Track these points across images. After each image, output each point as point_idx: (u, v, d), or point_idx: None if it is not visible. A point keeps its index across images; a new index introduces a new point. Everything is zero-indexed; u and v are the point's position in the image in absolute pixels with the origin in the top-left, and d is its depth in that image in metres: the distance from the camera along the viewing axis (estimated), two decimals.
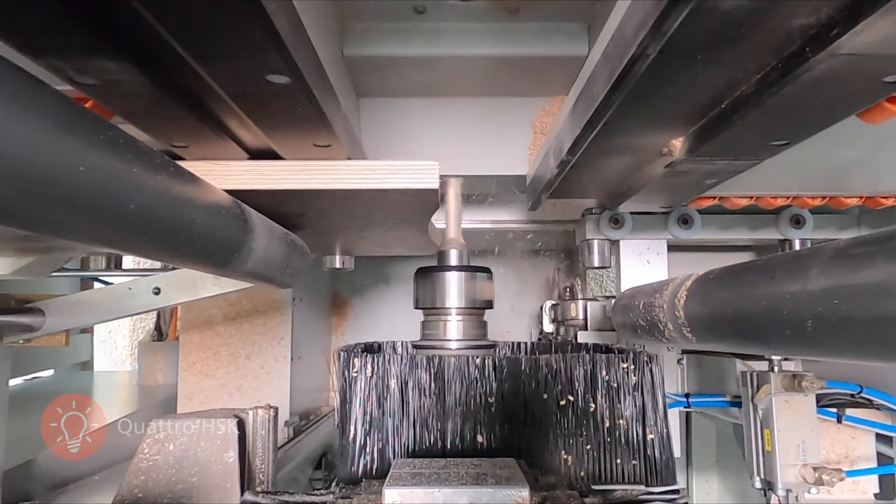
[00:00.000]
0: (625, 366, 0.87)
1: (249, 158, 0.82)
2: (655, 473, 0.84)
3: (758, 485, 1.18)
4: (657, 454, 0.85)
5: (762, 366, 1.19)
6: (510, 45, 1.00)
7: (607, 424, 0.85)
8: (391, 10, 0.92)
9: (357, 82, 1.10)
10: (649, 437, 0.85)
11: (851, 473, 1.31)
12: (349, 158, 0.84)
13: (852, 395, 1.28)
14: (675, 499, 0.78)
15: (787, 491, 1.10)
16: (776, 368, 1.15)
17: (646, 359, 0.88)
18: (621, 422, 0.85)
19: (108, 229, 0.46)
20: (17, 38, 0.49)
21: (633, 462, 0.84)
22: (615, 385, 0.86)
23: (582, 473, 0.83)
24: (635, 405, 0.86)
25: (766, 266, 0.65)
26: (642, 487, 0.82)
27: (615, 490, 0.78)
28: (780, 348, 0.63)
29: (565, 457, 0.84)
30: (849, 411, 1.32)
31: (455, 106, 1.18)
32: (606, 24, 0.59)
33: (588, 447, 0.84)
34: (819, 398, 1.31)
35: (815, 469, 1.10)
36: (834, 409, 1.29)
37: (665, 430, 0.86)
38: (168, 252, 0.62)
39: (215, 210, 0.67)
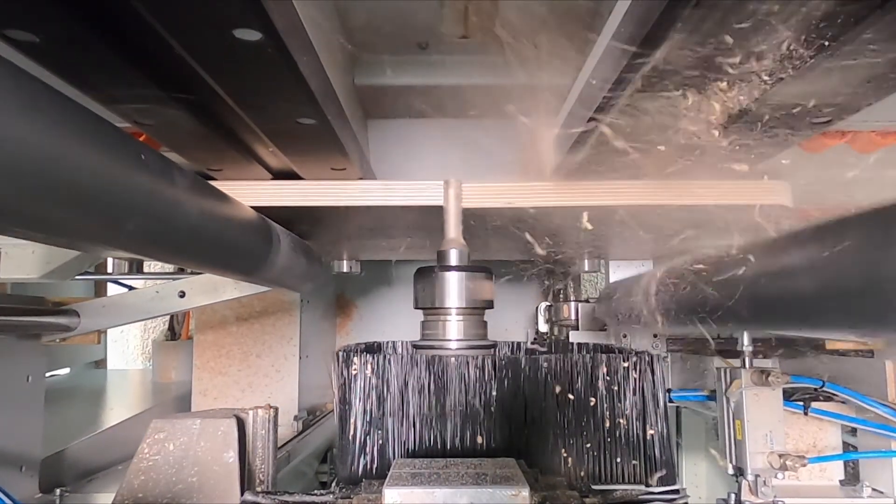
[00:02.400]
0: (625, 365, 0.84)
1: (273, 178, 0.94)
2: (655, 473, 0.83)
3: (730, 471, 1.26)
4: (657, 454, 0.83)
5: (737, 363, 1.30)
6: (503, 76, 1.12)
7: (607, 424, 0.83)
8: (397, 45, 0.99)
9: (366, 106, 1.23)
10: (649, 436, 0.83)
11: (814, 460, 1.41)
12: (361, 178, 0.96)
13: (815, 389, 1.39)
14: (674, 499, 0.78)
15: (756, 476, 1.21)
16: (747, 365, 1.26)
17: (647, 359, 0.84)
18: (621, 421, 0.83)
19: (162, 247, 0.57)
20: (96, 91, 0.59)
21: (634, 462, 0.82)
22: (615, 385, 0.84)
23: (582, 473, 0.81)
24: (635, 405, 0.83)
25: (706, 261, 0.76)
26: (642, 487, 0.81)
27: (615, 490, 0.78)
28: (721, 324, 0.73)
29: (565, 457, 0.82)
30: (816, 404, 1.42)
31: (454, 126, 1.30)
32: (577, 78, 0.70)
33: (588, 447, 0.82)
34: (791, 392, 1.43)
35: (780, 456, 1.19)
36: (801, 402, 1.41)
37: (665, 430, 0.83)
38: (208, 264, 0.73)
39: (248, 226, 0.78)
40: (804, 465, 1.10)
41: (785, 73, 0.56)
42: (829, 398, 1.34)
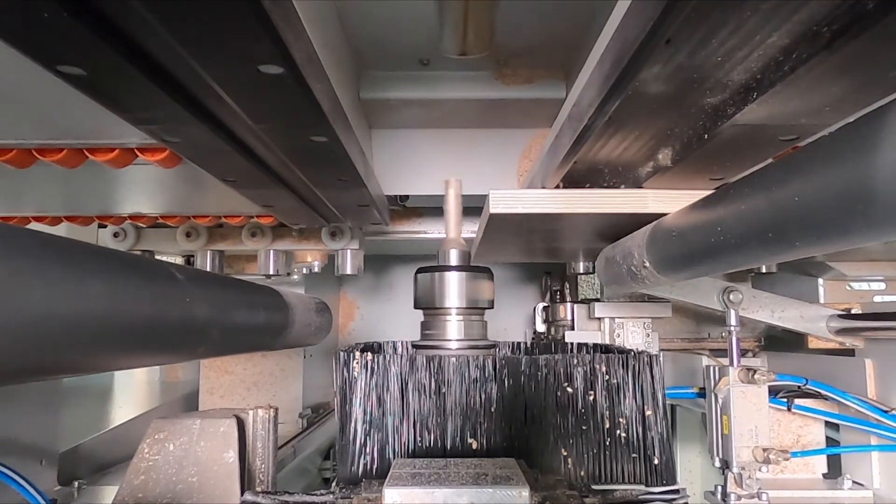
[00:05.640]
0: (625, 366, 0.84)
1: (285, 187, 1.00)
2: (655, 473, 0.83)
3: (717, 464, 1.26)
4: (657, 454, 0.83)
5: (726, 360, 1.36)
6: (500, 90, 1.14)
7: (607, 425, 0.83)
8: (400, 62, 1.08)
9: (369, 117, 1.29)
10: (649, 436, 0.83)
11: (797, 454, 1.43)
12: (365, 187, 1.02)
13: (799, 387, 1.41)
14: (674, 499, 0.78)
15: (741, 469, 1.27)
16: (735, 363, 1.32)
17: (646, 359, 0.85)
18: (621, 421, 0.83)
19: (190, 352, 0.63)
20: (130, 113, 0.65)
21: (633, 462, 0.83)
22: (615, 385, 0.84)
23: (582, 473, 0.82)
24: (635, 405, 0.84)
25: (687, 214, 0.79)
26: (642, 487, 0.81)
27: (615, 490, 0.79)
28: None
29: (565, 456, 0.82)
30: (799, 401, 1.40)
31: (455, 136, 1.36)
32: (569, 95, 0.75)
33: (588, 447, 0.82)
34: (776, 390, 1.49)
35: (764, 450, 1.22)
36: (785, 399, 1.47)
37: (665, 430, 0.83)
38: (236, 351, 0.79)
39: (269, 306, 0.83)
40: (787, 460, 1.16)
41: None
42: (812, 395, 1.40)
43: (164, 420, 0.80)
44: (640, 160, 0.85)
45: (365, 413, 0.83)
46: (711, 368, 1.31)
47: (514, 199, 0.93)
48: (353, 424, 0.83)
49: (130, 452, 1.79)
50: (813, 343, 1.50)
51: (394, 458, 0.81)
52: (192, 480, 0.77)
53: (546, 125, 1.28)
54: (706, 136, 0.69)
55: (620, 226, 0.99)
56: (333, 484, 0.81)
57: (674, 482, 0.83)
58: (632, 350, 0.91)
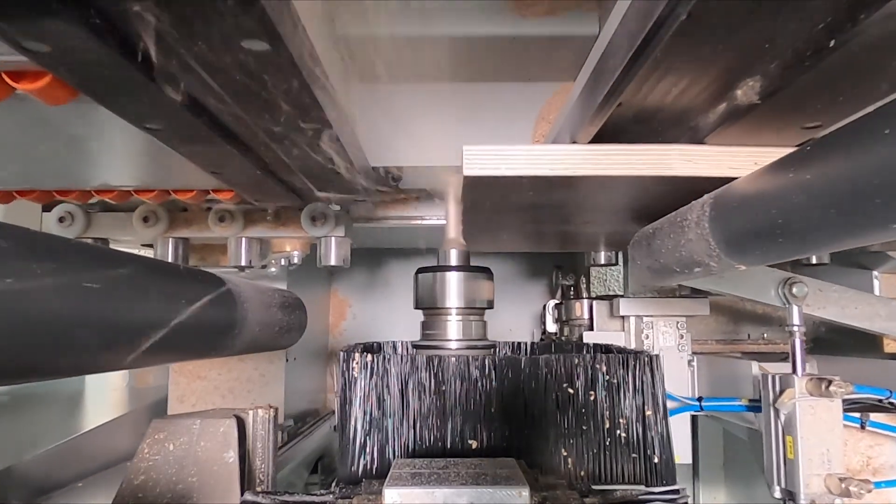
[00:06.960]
0: (625, 365, 0.88)
1: (226, 139, 0.75)
2: (655, 473, 0.86)
3: (777, 494, 1.08)
4: (657, 454, 0.86)
5: (778, 368, 1.13)
6: (516, 25, 0.88)
7: (607, 425, 0.86)
8: None
9: (350, 67, 1.06)
10: (649, 436, 0.86)
11: (879, 485, 1.24)
12: (338, 140, 0.77)
13: (880, 401, 1.23)
14: (675, 499, 0.79)
15: (812, 502, 1.03)
16: (800, 371, 1.08)
17: (646, 358, 0.89)
18: (622, 421, 0.87)
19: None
20: None
21: (634, 462, 0.85)
22: (615, 385, 0.87)
23: (582, 473, 0.85)
24: (635, 405, 0.87)
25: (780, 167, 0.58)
26: (642, 487, 0.83)
27: (615, 490, 0.80)
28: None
29: (565, 456, 0.84)
30: (874, 417, 1.26)
31: (456, 92, 1.12)
32: (607, 22, 0.53)
33: (588, 447, 0.85)
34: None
35: (841, 480, 1.04)
36: (857, 415, 1.23)
37: (665, 430, 0.87)
38: (138, 364, 0.59)
39: (201, 298, 0.71)
40: (870, 492, 0.93)
41: None
42: (885, 409, 1.15)
43: (164, 420, 0.81)
44: (712, 98, 0.61)
45: (365, 413, 0.85)
46: (770, 378, 1.07)
47: (496, 156, 0.74)
48: (353, 425, 0.84)
49: (81, 471, 1.53)
50: (889, 346, 1.26)
51: (394, 458, 0.84)
52: (193, 480, 0.78)
53: (570, 77, 1.04)
54: (832, 43, 0.45)
55: (662, 198, 0.75)
56: (333, 484, 0.84)
57: (674, 482, 0.85)
58: (631, 350, 0.96)
